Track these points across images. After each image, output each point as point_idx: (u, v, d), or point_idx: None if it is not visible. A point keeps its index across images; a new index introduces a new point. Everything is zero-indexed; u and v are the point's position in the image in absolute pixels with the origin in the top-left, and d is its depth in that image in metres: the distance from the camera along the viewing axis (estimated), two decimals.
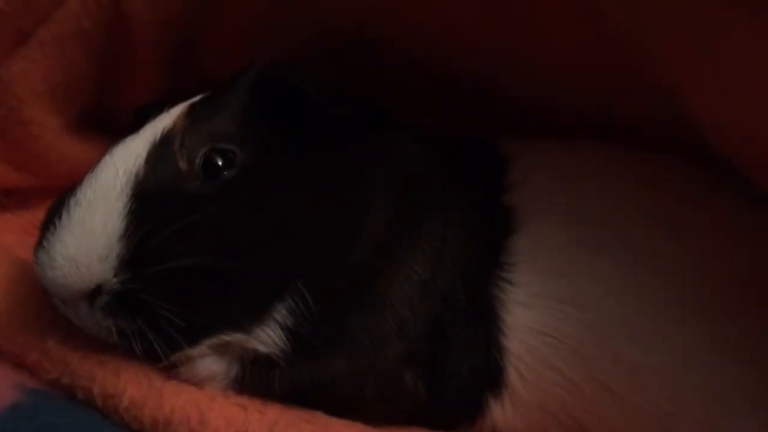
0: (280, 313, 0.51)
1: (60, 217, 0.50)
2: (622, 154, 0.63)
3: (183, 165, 0.52)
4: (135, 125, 0.58)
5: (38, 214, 0.57)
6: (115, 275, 0.48)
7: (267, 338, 0.51)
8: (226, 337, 0.51)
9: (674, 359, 0.53)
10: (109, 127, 0.74)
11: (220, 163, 0.52)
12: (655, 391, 0.53)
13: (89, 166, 0.54)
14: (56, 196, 0.54)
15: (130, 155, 0.52)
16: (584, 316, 0.55)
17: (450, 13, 0.61)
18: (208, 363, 0.52)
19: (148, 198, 0.50)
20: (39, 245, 0.51)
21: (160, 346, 0.49)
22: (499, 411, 0.56)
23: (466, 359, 0.56)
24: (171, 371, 0.51)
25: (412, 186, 0.58)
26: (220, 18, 0.69)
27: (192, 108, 0.57)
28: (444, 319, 0.55)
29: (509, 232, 0.58)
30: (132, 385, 0.50)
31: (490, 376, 0.56)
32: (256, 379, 0.52)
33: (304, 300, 0.51)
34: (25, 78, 0.68)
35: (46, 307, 0.55)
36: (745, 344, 0.53)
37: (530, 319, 0.55)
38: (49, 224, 0.51)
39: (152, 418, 0.48)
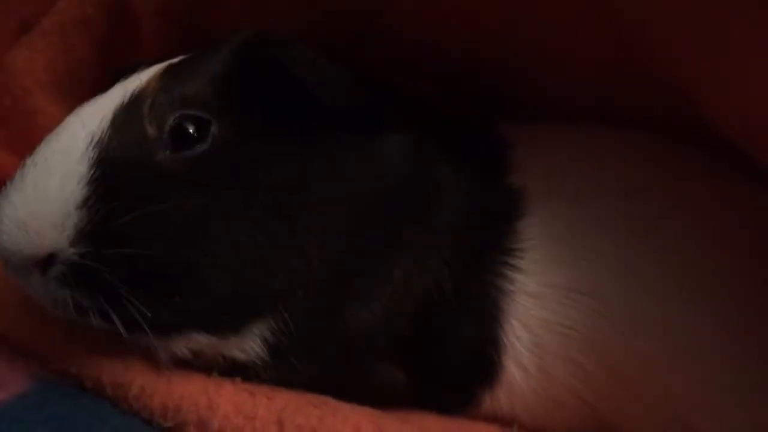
0: (259, 327, 0.49)
1: (13, 178, 0.47)
2: (628, 136, 0.62)
3: (151, 130, 0.48)
4: (110, 86, 0.53)
5: None
6: (71, 245, 0.45)
7: (246, 347, 0.49)
8: (201, 338, 0.48)
9: (688, 347, 0.53)
10: None
11: (191, 131, 0.48)
12: (669, 380, 0.53)
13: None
14: None
15: (95, 116, 0.48)
16: (599, 305, 0.53)
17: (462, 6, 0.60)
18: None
19: (112, 166, 0.46)
20: None
21: (123, 327, 0.45)
22: (492, 403, 0.56)
23: (454, 353, 0.54)
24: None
25: (403, 186, 0.54)
26: (224, 3, 0.69)
27: (167, 70, 0.52)
28: (428, 317, 0.53)
29: (517, 216, 0.56)
30: (141, 374, 0.49)
31: (484, 372, 0.55)
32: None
33: (284, 320, 0.49)
34: (28, 67, 0.69)
35: None
36: (761, 334, 0.52)
37: (540, 309, 0.54)
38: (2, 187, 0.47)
39: (162, 405, 0.48)
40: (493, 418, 0.58)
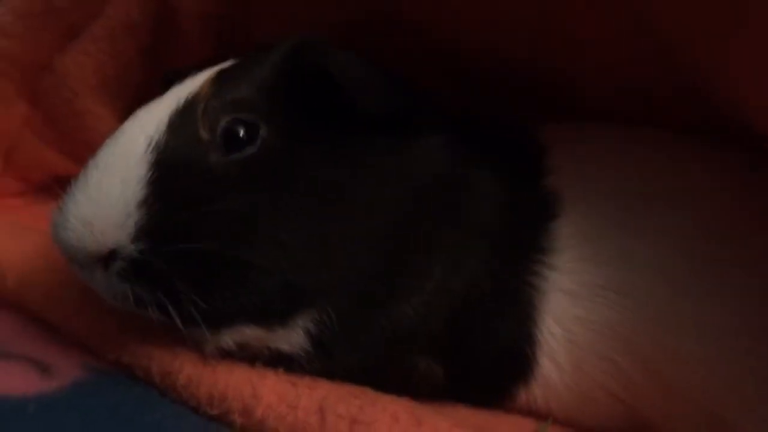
0: (304, 320, 0.51)
1: (78, 180, 0.49)
2: (663, 138, 0.62)
3: (204, 134, 0.50)
4: (162, 91, 0.56)
5: None
6: (132, 242, 0.47)
7: (291, 339, 0.51)
8: (248, 331, 0.50)
9: (723, 345, 0.53)
10: None
11: (241, 135, 0.50)
12: (704, 377, 0.53)
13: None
14: None
15: (152, 120, 0.51)
16: (632, 303, 0.54)
17: (491, 5, 0.61)
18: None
19: (168, 168, 0.49)
20: (57, 208, 0.50)
21: (180, 320, 0.48)
22: (527, 397, 0.57)
23: (490, 349, 0.55)
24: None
25: (443, 188, 0.56)
26: (261, 5, 0.71)
27: (219, 75, 0.54)
28: (465, 314, 0.54)
29: (551, 216, 0.57)
30: (188, 364, 0.51)
31: (519, 366, 0.56)
32: None
33: (327, 313, 0.50)
34: (79, 71, 0.71)
35: None
36: None
37: (574, 306, 0.55)
38: (69, 187, 0.50)
39: (208, 394, 0.50)
40: (528, 413, 0.59)
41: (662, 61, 0.57)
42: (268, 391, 0.50)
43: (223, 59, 0.58)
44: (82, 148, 0.76)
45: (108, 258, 0.48)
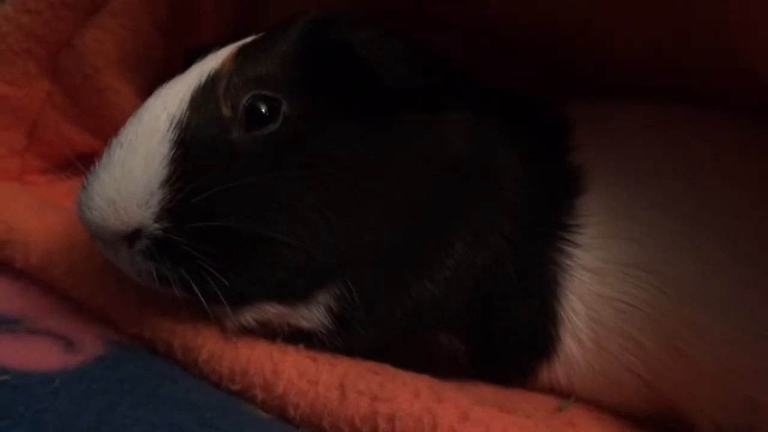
0: (324, 296, 0.51)
1: (101, 158, 0.50)
2: (691, 114, 0.61)
3: (226, 111, 0.51)
4: (185, 69, 0.56)
5: None
6: (155, 221, 0.48)
7: (311, 316, 0.51)
8: (270, 308, 0.51)
9: (753, 324, 0.52)
10: None
11: (263, 111, 0.50)
12: (733, 357, 0.52)
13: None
14: None
15: (174, 98, 0.51)
16: (659, 282, 0.53)
17: None
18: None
19: (191, 145, 0.49)
20: (81, 186, 0.50)
21: (203, 296, 0.48)
22: (550, 374, 0.57)
23: (512, 326, 0.55)
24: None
25: (466, 164, 0.55)
26: None
27: (240, 51, 0.54)
28: (488, 290, 0.54)
29: (576, 193, 0.57)
30: (210, 339, 0.52)
31: (542, 344, 0.56)
32: None
33: (348, 288, 0.51)
34: (99, 46, 0.71)
35: None
36: None
37: (598, 284, 0.54)
38: (92, 167, 0.50)
39: (230, 369, 0.51)
40: (550, 391, 0.59)
41: (697, 30, 0.55)
42: (289, 366, 0.50)
43: (245, 35, 0.58)
44: (104, 125, 0.77)
45: (132, 236, 0.49)
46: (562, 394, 0.58)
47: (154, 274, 0.49)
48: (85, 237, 0.61)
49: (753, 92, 0.55)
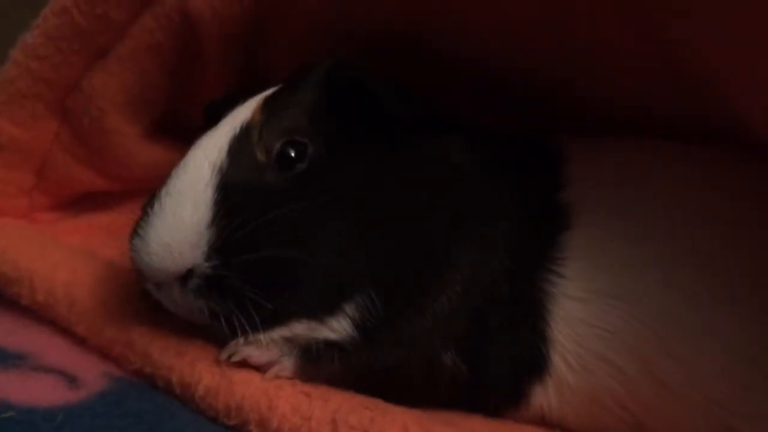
0: (350, 307, 0.55)
1: (152, 207, 0.54)
2: (680, 151, 0.63)
3: (261, 157, 0.56)
4: (206, 119, 0.62)
5: (118, 217, 0.62)
6: (205, 260, 0.52)
7: (338, 327, 0.55)
8: (299, 326, 0.54)
9: (732, 356, 0.54)
10: (180, 131, 0.78)
11: (292, 155, 0.56)
12: (711, 386, 0.54)
13: (164, 168, 0.58)
14: (134, 198, 0.58)
15: (213, 148, 0.56)
16: (638, 311, 0.56)
17: (507, 18, 0.62)
18: (269, 350, 0.55)
19: (231, 189, 0.54)
20: (134, 233, 0.54)
21: (248, 326, 0.52)
22: (543, 397, 0.59)
23: (508, 347, 0.58)
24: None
25: (469, 188, 0.61)
26: (280, 25, 0.73)
27: (267, 102, 0.60)
28: (486, 312, 0.58)
29: (563, 228, 0.60)
30: (206, 375, 0.54)
31: (534, 363, 0.58)
32: (321, 363, 0.55)
33: (372, 300, 0.54)
34: (105, 90, 0.74)
35: (129, 303, 0.60)
36: None
37: (581, 311, 0.57)
38: (143, 214, 0.55)
39: (225, 405, 0.52)
40: (541, 420, 0.60)
41: (680, 74, 0.57)
42: (284, 402, 0.52)
43: (265, 86, 0.63)
44: (110, 165, 0.79)
45: (185, 277, 0.53)
46: (552, 425, 0.59)
47: (206, 310, 0.53)
48: (88, 274, 0.64)
49: (735, 130, 0.58)
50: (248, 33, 0.73)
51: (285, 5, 0.70)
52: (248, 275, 0.52)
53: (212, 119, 0.61)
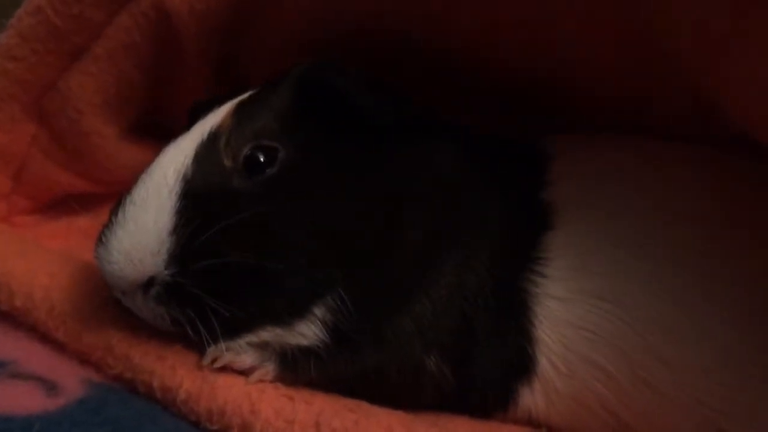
0: (320, 309, 0.54)
1: (116, 215, 0.54)
2: (666, 150, 0.63)
3: (228, 162, 0.55)
4: (189, 122, 0.61)
5: (98, 219, 0.61)
6: (165, 268, 0.52)
7: (308, 332, 0.54)
8: (266, 333, 0.54)
9: (719, 357, 0.53)
10: (160, 131, 0.77)
11: (262, 160, 0.54)
12: (699, 387, 0.54)
13: (144, 169, 0.57)
14: (114, 200, 0.57)
15: (179, 155, 0.55)
16: (623, 312, 0.55)
17: (492, 17, 0.61)
18: (251, 355, 0.54)
19: (195, 196, 0.53)
20: (98, 241, 0.54)
21: (207, 334, 0.52)
22: (530, 399, 0.58)
23: (495, 349, 0.57)
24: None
25: (449, 191, 0.60)
26: (263, 26, 0.72)
27: (238, 107, 0.59)
28: (471, 314, 0.57)
29: (545, 228, 0.59)
30: (188, 379, 0.53)
31: (521, 365, 0.57)
32: (298, 371, 0.54)
33: (343, 301, 0.53)
34: (82, 91, 0.72)
35: (108, 307, 0.59)
36: None
37: (566, 312, 0.56)
38: (108, 221, 0.54)
39: (207, 409, 0.52)
40: (528, 422, 0.59)
41: (664, 70, 0.57)
42: (266, 406, 0.51)
43: (243, 91, 0.62)
44: (89, 166, 0.78)
45: (147, 285, 0.52)
46: (539, 425, 0.59)
47: (167, 317, 0.53)
48: (67, 278, 0.63)
49: (723, 131, 0.57)
50: (228, 30, 0.72)
51: (266, 2, 0.69)
52: (207, 282, 0.51)
53: (195, 121, 0.60)
